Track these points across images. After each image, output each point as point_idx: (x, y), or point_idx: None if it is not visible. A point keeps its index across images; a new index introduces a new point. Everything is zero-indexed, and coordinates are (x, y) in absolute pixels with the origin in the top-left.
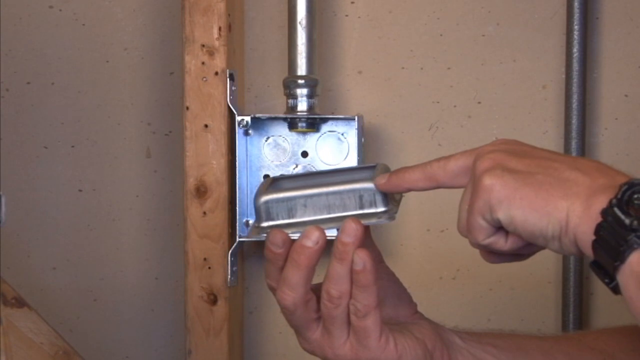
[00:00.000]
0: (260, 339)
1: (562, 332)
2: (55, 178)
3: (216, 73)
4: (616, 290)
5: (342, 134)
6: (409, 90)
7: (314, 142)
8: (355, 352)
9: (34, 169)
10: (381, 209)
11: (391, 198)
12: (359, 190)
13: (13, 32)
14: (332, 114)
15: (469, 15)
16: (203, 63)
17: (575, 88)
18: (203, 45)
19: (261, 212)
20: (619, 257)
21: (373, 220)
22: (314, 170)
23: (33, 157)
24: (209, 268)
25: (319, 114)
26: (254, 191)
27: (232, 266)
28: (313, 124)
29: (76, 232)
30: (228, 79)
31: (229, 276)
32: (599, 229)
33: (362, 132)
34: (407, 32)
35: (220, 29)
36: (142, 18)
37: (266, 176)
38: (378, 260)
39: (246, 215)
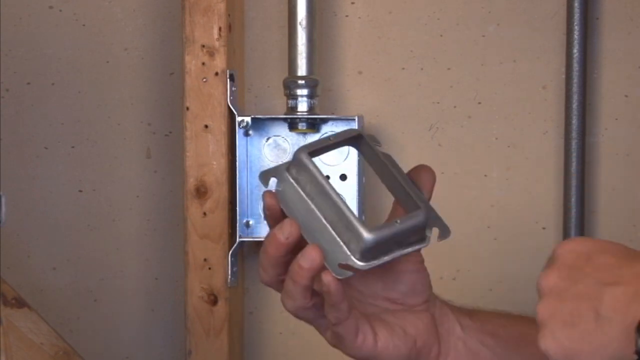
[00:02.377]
0: (260, 340)
1: None
2: (55, 178)
3: (216, 73)
4: None
5: None
6: (409, 90)
7: None
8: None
9: (34, 169)
10: (359, 263)
11: (372, 257)
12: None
13: (13, 32)
14: (332, 114)
15: (469, 16)
16: (203, 63)
17: (575, 88)
18: (203, 46)
19: (291, 168)
20: None
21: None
22: (327, 187)
23: (33, 158)
24: (209, 268)
25: (319, 115)
26: (254, 192)
27: (232, 267)
28: (313, 124)
29: (76, 232)
30: (228, 80)
31: (229, 277)
32: None
33: None
34: (407, 33)
35: (220, 29)
36: (142, 18)
37: None
38: None
39: (246, 215)
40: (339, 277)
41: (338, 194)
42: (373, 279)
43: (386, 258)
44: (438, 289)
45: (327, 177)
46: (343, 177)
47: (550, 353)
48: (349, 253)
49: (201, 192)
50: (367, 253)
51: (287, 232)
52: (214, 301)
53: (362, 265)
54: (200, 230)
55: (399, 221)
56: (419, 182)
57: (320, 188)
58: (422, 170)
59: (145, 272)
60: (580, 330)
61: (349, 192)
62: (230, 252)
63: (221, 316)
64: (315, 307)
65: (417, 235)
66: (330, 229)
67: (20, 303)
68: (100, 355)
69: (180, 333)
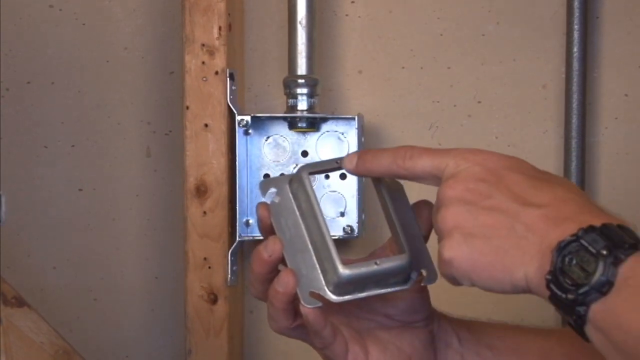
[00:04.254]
0: (261, 339)
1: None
2: (56, 177)
3: (216, 72)
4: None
5: (342, 134)
6: (409, 89)
7: (314, 142)
8: None
9: (34, 169)
10: (331, 295)
11: (346, 292)
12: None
13: (13, 31)
14: (332, 113)
15: (469, 15)
16: (203, 63)
17: (575, 87)
18: (203, 45)
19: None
20: (576, 324)
21: (306, 295)
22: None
23: (33, 157)
24: (209, 267)
25: (319, 114)
26: (254, 191)
27: (232, 266)
28: (313, 123)
29: (76, 231)
30: (228, 79)
31: (229, 276)
32: (551, 301)
33: (362, 132)
34: (407, 32)
35: (220, 28)
36: (142, 18)
37: (266, 175)
38: None
39: (246, 214)
40: (307, 306)
41: (325, 221)
42: (373, 296)
43: (361, 295)
44: (438, 289)
45: (327, 176)
46: (343, 176)
47: (454, 263)
48: (323, 282)
49: (201, 191)
50: (341, 287)
51: (270, 249)
52: (213, 300)
53: (333, 298)
54: (200, 229)
55: (378, 262)
56: (419, 219)
57: (311, 210)
58: (422, 206)
59: (145, 271)
60: (494, 244)
61: (348, 191)
62: (230, 251)
63: (221, 315)
64: (301, 327)
65: (400, 276)
66: (313, 253)
67: (20, 302)
68: (100, 354)
69: (180, 332)
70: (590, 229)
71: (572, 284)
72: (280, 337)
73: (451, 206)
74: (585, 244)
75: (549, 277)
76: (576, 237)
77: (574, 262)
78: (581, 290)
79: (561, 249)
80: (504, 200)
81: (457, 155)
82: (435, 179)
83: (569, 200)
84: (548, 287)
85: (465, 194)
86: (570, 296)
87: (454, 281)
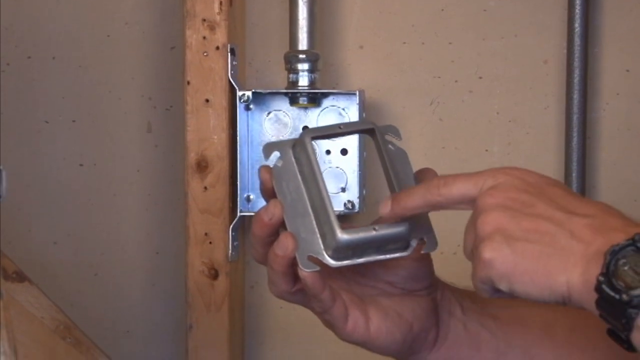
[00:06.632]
0: (261, 314)
1: None
2: (56, 153)
3: (217, 48)
4: (635, 350)
5: (343, 109)
6: (410, 65)
7: (315, 117)
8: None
9: (34, 144)
10: (329, 260)
11: (344, 257)
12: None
13: (14, 5)
14: (333, 88)
15: None
16: (204, 37)
17: (576, 63)
18: (204, 20)
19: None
20: (624, 328)
21: (304, 259)
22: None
23: (34, 132)
24: (210, 243)
25: (320, 89)
26: (255, 166)
27: (233, 241)
28: (314, 98)
29: (77, 206)
30: (229, 54)
31: (230, 251)
32: (598, 305)
33: (363, 107)
34: (409, 7)
35: (221, 3)
36: None
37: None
38: None
39: (247, 190)
40: (305, 270)
41: (325, 186)
42: (375, 262)
43: (360, 260)
44: (439, 264)
45: (328, 151)
46: (344, 152)
47: (495, 264)
48: (322, 247)
49: (202, 166)
50: (340, 252)
51: (270, 213)
52: (214, 275)
53: (332, 263)
54: (201, 204)
55: (377, 228)
56: None
57: (312, 175)
58: (426, 174)
59: (146, 246)
60: (537, 249)
61: (349, 166)
62: (231, 226)
63: (222, 290)
64: (301, 292)
65: (400, 243)
66: (313, 217)
67: (21, 277)
68: (100, 329)
69: (181, 307)
70: None
71: (625, 287)
72: (281, 312)
73: (492, 211)
74: None
75: (601, 278)
76: (632, 242)
77: (627, 266)
78: (636, 292)
79: (615, 252)
80: (548, 208)
81: (495, 171)
82: (473, 201)
83: (614, 213)
84: (597, 289)
85: (507, 202)
86: (624, 297)
87: (490, 286)
